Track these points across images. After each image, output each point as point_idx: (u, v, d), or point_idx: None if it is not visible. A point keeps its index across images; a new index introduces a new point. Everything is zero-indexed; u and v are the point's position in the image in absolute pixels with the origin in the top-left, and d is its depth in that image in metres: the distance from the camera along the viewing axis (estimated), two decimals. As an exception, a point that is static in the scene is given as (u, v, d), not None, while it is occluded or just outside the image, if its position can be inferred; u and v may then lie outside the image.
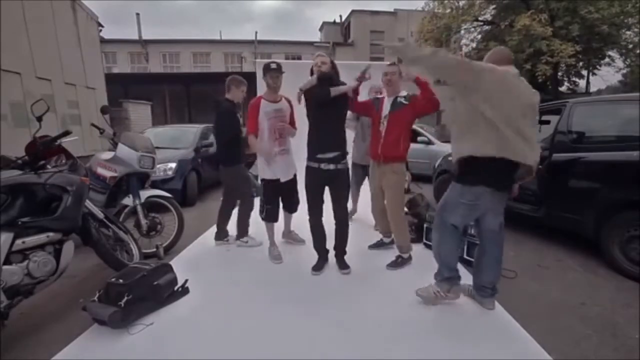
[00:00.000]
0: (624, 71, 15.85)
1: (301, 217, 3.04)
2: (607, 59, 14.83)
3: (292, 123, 3.08)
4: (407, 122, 2.76)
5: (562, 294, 2.49)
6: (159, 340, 1.91)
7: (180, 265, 2.72)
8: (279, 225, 3.28)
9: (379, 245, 3.28)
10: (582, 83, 17.26)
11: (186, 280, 2.50)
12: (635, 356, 1.82)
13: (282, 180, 2.95)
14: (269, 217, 3.07)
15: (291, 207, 3.27)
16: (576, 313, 2.25)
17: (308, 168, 2.70)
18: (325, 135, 2.63)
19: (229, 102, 3.25)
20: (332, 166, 2.61)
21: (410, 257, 2.92)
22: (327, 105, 2.55)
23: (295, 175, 3.13)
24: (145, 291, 2.15)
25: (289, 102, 3.06)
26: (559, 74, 15.19)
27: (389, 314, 2.19)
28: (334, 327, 2.04)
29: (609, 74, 16.55)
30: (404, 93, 2.80)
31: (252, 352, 1.83)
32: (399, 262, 2.88)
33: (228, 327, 2.05)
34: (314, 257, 2.84)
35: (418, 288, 2.28)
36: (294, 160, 3.12)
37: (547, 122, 4.25)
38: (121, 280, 2.13)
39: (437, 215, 2.23)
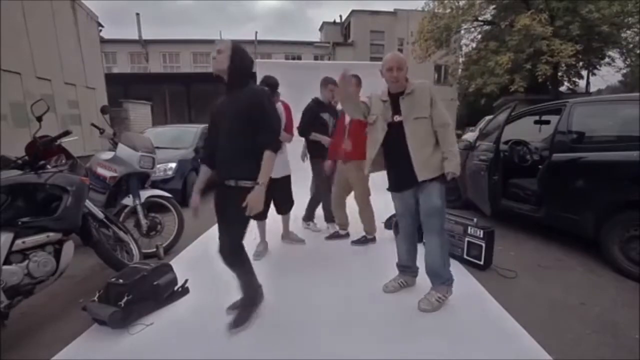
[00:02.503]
0: (624, 71, 15.86)
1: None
2: (607, 59, 14.82)
3: (287, 128, 3.06)
4: (362, 128, 3.00)
5: (562, 294, 2.49)
6: (159, 340, 1.91)
7: (180, 265, 2.72)
8: (277, 227, 3.27)
9: (335, 236, 3.59)
10: (582, 83, 17.27)
11: (186, 280, 2.50)
12: (635, 356, 1.82)
13: (273, 176, 2.88)
14: (256, 215, 3.01)
15: (283, 208, 3.25)
16: (576, 313, 2.24)
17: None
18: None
19: (313, 101, 3.60)
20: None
21: (374, 238, 3.47)
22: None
23: (289, 176, 3.14)
24: (145, 291, 2.15)
25: (284, 107, 3.06)
26: (559, 74, 15.17)
27: (389, 314, 2.19)
28: (334, 327, 2.04)
29: (609, 74, 16.63)
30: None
31: (252, 352, 1.83)
32: (363, 240, 3.41)
33: (223, 326, 2.04)
34: (313, 256, 2.84)
35: (419, 300, 2.26)
36: (288, 161, 3.12)
37: (547, 122, 4.26)
38: (121, 280, 2.13)
39: (440, 219, 2.23)
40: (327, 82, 3.54)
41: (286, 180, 3.12)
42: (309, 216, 3.98)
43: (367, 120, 2.36)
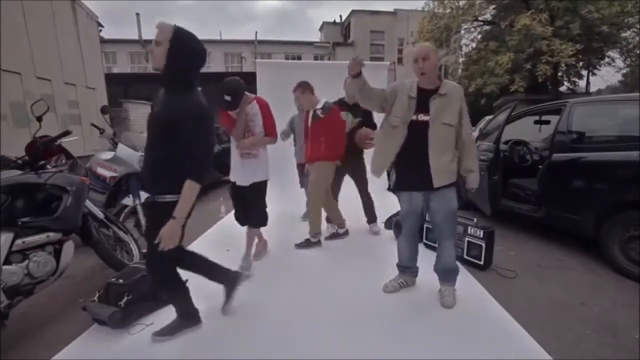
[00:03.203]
0: (624, 71, 15.87)
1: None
2: (607, 59, 14.84)
3: (267, 130, 2.73)
4: (326, 131, 3.11)
5: (562, 294, 2.49)
6: (159, 340, 1.91)
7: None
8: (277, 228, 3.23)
9: (334, 236, 3.57)
10: (582, 83, 17.27)
11: (186, 280, 2.50)
12: (635, 356, 1.81)
13: (237, 183, 2.74)
14: (235, 217, 2.94)
15: (252, 221, 2.84)
16: (576, 313, 2.24)
17: None
18: None
19: (339, 100, 3.54)
20: None
21: (346, 232, 3.58)
22: None
23: (260, 186, 2.76)
24: (145, 291, 2.15)
25: (262, 106, 2.71)
26: (559, 74, 15.18)
27: (389, 314, 2.19)
28: (334, 327, 2.04)
29: (609, 74, 16.57)
30: (320, 105, 3.14)
31: (252, 351, 1.83)
32: (306, 244, 3.32)
33: (228, 327, 2.05)
34: (313, 257, 2.83)
35: (441, 298, 2.30)
36: (266, 168, 2.78)
37: (547, 122, 4.26)
38: (121, 280, 2.13)
39: (455, 222, 2.29)
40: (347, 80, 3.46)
41: (257, 189, 2.74)
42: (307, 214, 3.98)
43: (389, 122, 2.17)
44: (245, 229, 2.90)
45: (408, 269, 2.51)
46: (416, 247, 2.49)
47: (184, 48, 1.56)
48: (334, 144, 3.17)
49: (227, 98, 2.46)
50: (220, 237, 3.57)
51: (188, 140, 1.56)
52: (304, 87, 3.17)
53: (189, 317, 1.98)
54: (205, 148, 1.67)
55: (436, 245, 3.01)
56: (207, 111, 1.63)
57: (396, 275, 2.54)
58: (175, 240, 1.59)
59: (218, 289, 2.54)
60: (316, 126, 3.16)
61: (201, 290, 2.51)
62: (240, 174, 2.72)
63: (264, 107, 2.72)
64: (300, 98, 3.20)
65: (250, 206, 2.78)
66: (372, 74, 3.55)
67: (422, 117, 2.10)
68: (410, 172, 2.21)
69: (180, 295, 1.95)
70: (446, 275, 2.34)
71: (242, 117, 2.63)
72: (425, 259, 2.52)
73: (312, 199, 3.31)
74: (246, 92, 2.63)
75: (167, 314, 2.16)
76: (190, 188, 1.57)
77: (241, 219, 2.89)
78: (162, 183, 1.65)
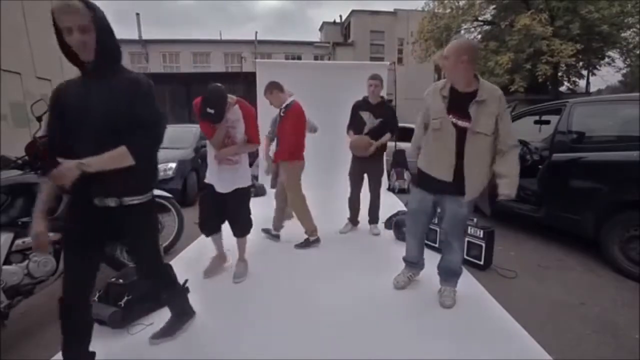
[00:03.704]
0: (624, 71, 15.87)
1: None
2: (607, 59, 14.84)
3: (250, 136, 2.54)
4: (286, 130, 3.08)
5: (562, 294, 2.49)
6: (159, 341, 1.91)
7: (180, 265, 2.72)
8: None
9: (304, 245, 3.32)
10: (582, 83, 17.28)
11: (186, 280, 2.50)
12: (635, 356, 1.82)
13: (217, 189, 2.52)
14: (200, 225, 2.65)
15: (237, 230, 2.67)
16: (576, 313, 2.25)
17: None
18: None
19: (362, 99, 3.50)
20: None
21: (317, 240, 3.34)
22: None
23: (244, 192, 2.61)
24: (145, 291, 2.15)
25: (244, 111, 2.50)
26: (559, 74, 15.19)
27: (388, 314, 2.19)
28: (333, 327, 2.04)
29: (609, 74, 16.63)
30: (285, 103, 3.12)
31: (252, 351, 1.83)
32: (305, 244, 3.29)
33: (228, 327, 2.05)
34: (312, 257, 2.82)
35: (440, 298, 2.30)
36: (248, 173, 2.66)
37: (547, 122, 4.26)
38: (121, 280, 2.14)
39: (465, 227, 2.30)
40: (368, 79, 3.43)
41: (241, 196, 2.58)
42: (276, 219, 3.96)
43: (432, 126, 2.07)
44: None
45: (415, 264, 2.51)
46: (423, 243, 2.48)
47: (106, 22, 1.34)
48: (299, 142, 3.16)
49: (210, 111, 2.24)
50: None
51: (148, 115, 1.40)
52: (272, 88, 3.12)
53: (183, 314, 1.98)
54: (162, 121, 1.48)
55: (435, 245, 3.03)
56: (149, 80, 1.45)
57: (403, 269, 2.55)
58: (66, 179, 1.26)
59: (217, 289, 2.55)
60: (281, 125, 3.14)
61: (201, 290, 2.52)
62: (220, 180, 2.51)
63: (247, 113, 2.50)
64: (269, 99, 3.16)
65: (235, 214, 2.61)
66: (372, 74, 3.57)
67: (461, 123, 1.97)
68: (455, 173, 2.07)
69: (177, 295, 1.93)
70: (448, 276, 2.34)
71: (222, 126, 2.41)
72: (426, 259, 2.53)
73: (291, 197, 3.25)
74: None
75: (167, 314, 2.16)
76: (121, 153, 1.34)
77: (212, 227, 2.65)
78: (125, 183, 1.43)
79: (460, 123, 1.98)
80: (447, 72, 2.00)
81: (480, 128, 1.94)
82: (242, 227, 2.67)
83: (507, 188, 1.97)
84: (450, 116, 2.00)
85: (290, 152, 3.13)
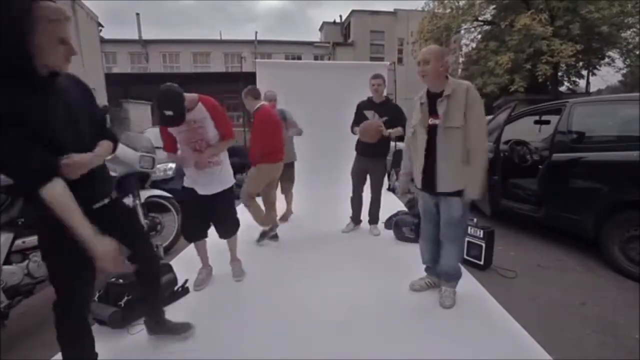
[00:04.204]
0: (624, 71, 15.86)
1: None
2: (607, 59, 14.83)
3: (223, 132, 2.40)
4: (254, 135, 3.16)
5: (562, 294, 2.49)
6: (159, 341, 1.91)
7: (180, 265, 2.72)
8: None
9: (264, 235, 3.50)
10: (582, 83, 17.27)
11: (186, 280, 2.51)
12: (635, 356, 1.82)
13: (200, 192, 2.43)
14: (185, 232, 2.57)
15: (223, 231, 2.64)
16: (576, 313, 2.25)
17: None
18: None
19: (367, 98, 3.52)
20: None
21: (275, 234, 3.52)
22: None
23: (229, 193, 2.54)
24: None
25: (209, 107, 2.32)
26: (559, 74, 15.18)
27: (388, 314, 2.19)
28: (333, 327, 2.04)
29: (609, 74, 16.58)
30: (257, 106, 3.17)
31: (251, 351, 1.83)
32: (262, 236, 3.47)
33: (228, 327, 2.05)
34: (312, 257, 2.81)
35: (440, 299, 2.30)
36: (231, 172, 2.59)
37: (547, 122, 4.26)
38: (121, 280, 2.13)
39: (456, 230, 2.23)
40: (371, 78, 3.48)
41: (227, 197, 2.52)
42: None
43: (407, 134, 2.23)
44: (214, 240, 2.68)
45: (429, 269, 2.51)
46: (433, 245, 2.41)
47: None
48: (267, 144, 3.19)
49: (169, 113, 2.03)
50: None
51: (99, 110, 1.50)
52: (246, 93, 3.22)
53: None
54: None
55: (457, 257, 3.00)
56: None
57: (424, 275, 2.54)
58: (79, 171, 1.26)
59: (217, 289, 2.55)
60: (252, 130, 3.23)
61: (201, 290, 2.52)
62: (203, 182, 2.41)
63: (212, 107, 2.32)
64: (245, 103, 3.26)
65: (222, 215, 2.56)
66: (372, 74, 3.57)
67: (433, 121, 2.08)
68: (423, 172, 2.19)
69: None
70: (446, 277, 2.34)
71: (182, 155, 2.39)
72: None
73: (247, 193, 3.31)
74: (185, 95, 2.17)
75: (168, 314, 2.16)
76: (110, 148, 1.46)
77: (198, 232, 2.56)
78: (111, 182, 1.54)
79: (431, 121, 2.07)
80: (429, 75, 2.02)
81: (449, 122, 2.00)
82: (230, 227, 2.64)
83: (471, 194, 2.05)
84: (431, 119, 2.08)
85: (261, 155, 3.21)
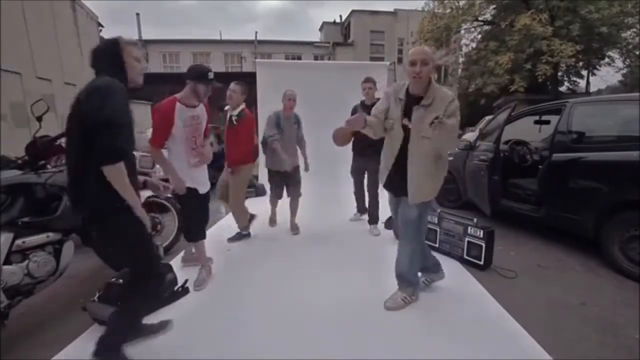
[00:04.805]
0: (624, 71, 15.88)
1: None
2: (607, 59, 14.85)
3: (207, 132, 2.59)
4: (240, 137, 3.15)
5: (562, 294, 2.49)
6: (159, 341, 1.91)
7: (180, 265, 2.72)
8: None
9: (236, 238, 3.56)
10: (582, 83, 17.29)
11: (186, 280, 2.51)
12: (635, 356, 1.82)
13: (201, 192, 2.53)
14: (192, 233, 2.65)
15: (191, 234, 2.71)
16: (576, 313, 2.24)
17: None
18: None
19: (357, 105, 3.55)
20: None
21: (248, 234, 3.59)
22: None
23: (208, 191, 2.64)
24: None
25: (206, 109, 2.51)
26: (559, 74, 15.20)
27: (388, 314, 2.19)
28: (333, 327, 2.04)
29: (609, 74, 16.61)
30: (238, 110, 3.14)
31: (252, 351, 1.83)
32: (237, 237, 3.53)
33: (228, 327, 2.05)
34: (312, 257, 2.81)
35: (385, 300, 2.27)
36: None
37: (547, 122, 4.26)
38: (121, 280, 2.13)
39: (412, 230, 2.18)
40: (362, 83, 3.54)
41: (207, 196, 2.63)
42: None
43: (386, 126, 2.12)
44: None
45: (425, 269, 2.48)
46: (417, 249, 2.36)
47: None
48: (250, 147, 3.29)
49: (212, 75, 2.37)
50: (220, 237, 3.57)
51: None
52: (238, 84, 3.16)
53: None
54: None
55: (436, 245, 3.01)
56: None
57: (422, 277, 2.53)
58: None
59: (217, 289, 2.55)
60: (232, 131, 3.18)
61: (201, 290, 2.52)
62: (200, 181, 2.52)
63: (207, 110, 2.51)
64: (231, 94, 3.14)
65: (207, 214, 2.68)
66: (372, 74, 3.58)
67: (406, 123, 2.02)
68: (393, 174, 2.17)
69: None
70: (397, 278, 2.32)
71: (179, 150, 2.42)
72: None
73: (232, 197, 3.35)
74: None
75: (167, 314, 2.17)
76: (110, 171, 1.47)
77: (203, 232, 2.69)
78: (99, 194, 1.52)
79: (405, 122, 2.03)
80: (423, 76, 1.94)
81: (424, 132, 1.94)
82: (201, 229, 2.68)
83: (412, 199, 2.07)
84: (405, 119, 2.03)
85: (244, 157, 3.24)
